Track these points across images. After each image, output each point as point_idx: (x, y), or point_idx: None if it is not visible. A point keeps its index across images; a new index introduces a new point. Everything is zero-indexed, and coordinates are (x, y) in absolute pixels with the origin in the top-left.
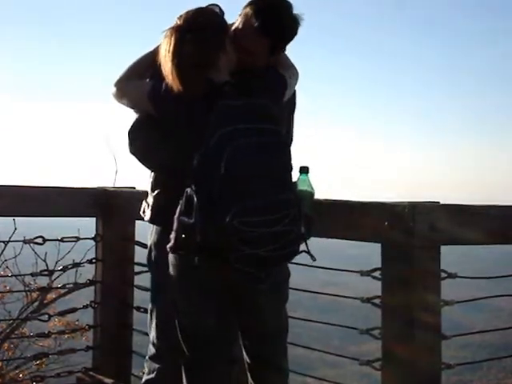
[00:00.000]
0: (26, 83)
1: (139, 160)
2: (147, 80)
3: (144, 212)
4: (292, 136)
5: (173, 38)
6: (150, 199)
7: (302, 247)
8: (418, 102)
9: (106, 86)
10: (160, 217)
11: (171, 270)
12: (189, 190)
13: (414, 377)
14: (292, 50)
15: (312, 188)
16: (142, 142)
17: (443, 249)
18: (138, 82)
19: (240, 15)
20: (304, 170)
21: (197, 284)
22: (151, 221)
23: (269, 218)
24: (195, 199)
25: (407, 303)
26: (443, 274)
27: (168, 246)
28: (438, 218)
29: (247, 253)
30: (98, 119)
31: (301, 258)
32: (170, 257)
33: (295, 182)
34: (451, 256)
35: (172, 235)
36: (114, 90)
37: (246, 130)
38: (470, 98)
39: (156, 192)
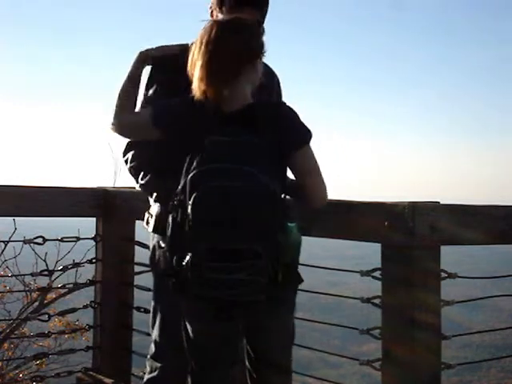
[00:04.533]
0: (26, 82)
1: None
2: (140, 109)
3: (148, 223)
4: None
5: (214, 34)
6: (154, 210)
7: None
8: (419, 102)
9: (106, 86)
10: (163, 226)
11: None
12: (170, 217)
13: (413, 377)
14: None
15: (297, 238)
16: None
17: (443, 249)
18: (133, 114)
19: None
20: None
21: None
22: (155, 231)
23: (229, 265)
24: (169, 230)
25: (407, 303)
26: (443, 274)
27: None
28: (438, 217)
29: (203, 293)
30: (99, 119)
31: (300, 257)
32: None
33: (282, 230)
34: (451, 256)
35: None
36: (110, 128)
37: (223, 172)
38: (470, 98)
39: (159, 204)
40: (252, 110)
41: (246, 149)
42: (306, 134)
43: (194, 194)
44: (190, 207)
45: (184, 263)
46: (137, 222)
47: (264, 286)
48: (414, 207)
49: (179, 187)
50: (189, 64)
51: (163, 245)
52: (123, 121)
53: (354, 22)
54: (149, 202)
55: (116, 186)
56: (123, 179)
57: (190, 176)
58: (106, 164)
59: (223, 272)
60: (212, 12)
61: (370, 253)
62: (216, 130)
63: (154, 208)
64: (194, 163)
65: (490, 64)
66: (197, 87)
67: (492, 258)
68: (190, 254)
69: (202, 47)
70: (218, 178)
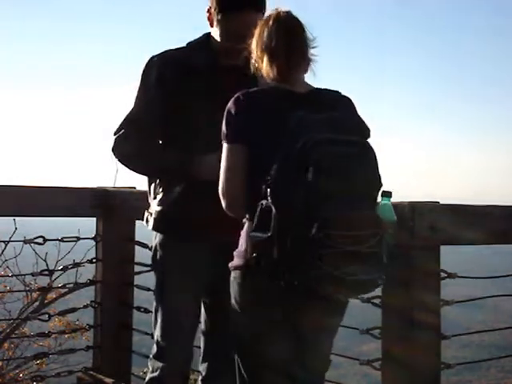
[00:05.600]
0: (26, 82)
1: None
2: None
3: (147, 221)
4: None
5: (293, 21)
6: (154, 207)
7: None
8: (420, 101)
9: (106, 84)
10: (164, 223)
11: (235, 288)
12: (264, 201)
13: (413, 377)
14: None
15: (394, 215)
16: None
17: (443, 249)
18: (232, 175)
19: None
20: (387, 194)
21: (264, 306)
22: (155, 229)
23: (355, 233)
24: (274, 210)
25: (407, 303)
26: (443, 274)
27: (232, 264)
28: (438, 217)
29: (327, 272)
30: (99, 119)
31: None
32: (236, 274)
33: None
34: (451, 256)
35: (240, 253)
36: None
37: (334, 140)
38: (471, 97)
39: (159, 199)
40: (318, 93)
41: (337, 122)
42: (368, 128)
43: (316, 159)
44: (311, 172)
45: (307, 238)
46: (137, 222)
47: (380, 264)
48: (414, 207)
49: (276, 165)
50: (258, 44)
51: (259, 234)
52: (231, 192)
53: (355, 19)
54: (148, 200)
55: (116, 186)
56: (123, 179)
57: (301, 144)
58: (106, 164)
59: (349, 243)
60: (210, 13)
61: None
62: (295, 109)
63: (154, 206)
64: (295, 135)
65: (490, 62)
66: (270, 69)
67: (492, 258)
68: (316, 225)
69: (282, 29)
70: (335, 144)
